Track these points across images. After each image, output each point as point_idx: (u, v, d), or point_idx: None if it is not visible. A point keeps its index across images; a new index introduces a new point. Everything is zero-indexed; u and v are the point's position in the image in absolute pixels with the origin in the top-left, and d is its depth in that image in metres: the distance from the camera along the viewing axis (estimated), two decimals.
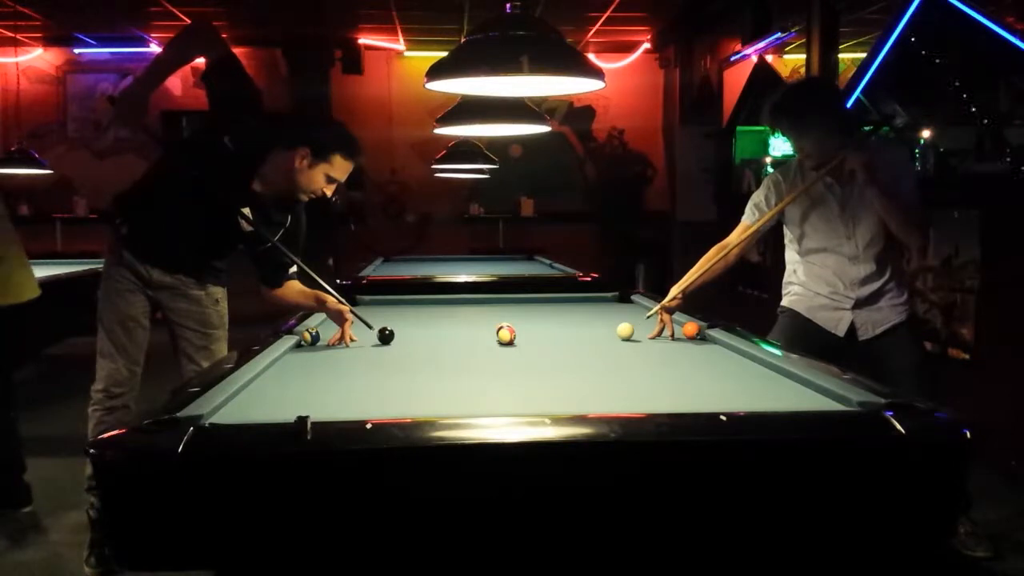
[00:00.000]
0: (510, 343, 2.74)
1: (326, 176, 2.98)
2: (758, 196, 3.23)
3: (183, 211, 3.06)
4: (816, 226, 3.15)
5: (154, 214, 3.13)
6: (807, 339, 3.05)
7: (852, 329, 3.13)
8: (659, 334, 2.90)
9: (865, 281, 3.10)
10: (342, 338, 2.82)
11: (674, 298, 3.01)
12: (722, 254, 3.16)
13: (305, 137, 2.97)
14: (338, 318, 2.90)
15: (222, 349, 3.22)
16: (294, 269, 3.09)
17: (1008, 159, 4.66)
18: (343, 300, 2.96)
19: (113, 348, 3.09)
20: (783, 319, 3.28)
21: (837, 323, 3.14)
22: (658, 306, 2.98)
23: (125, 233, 3.13)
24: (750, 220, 3.19)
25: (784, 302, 3.31)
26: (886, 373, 2.92)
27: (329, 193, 3.04)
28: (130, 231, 3.13)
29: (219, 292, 3.27)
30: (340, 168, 2.99)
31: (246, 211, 2.99)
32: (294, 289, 3.10)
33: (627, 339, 2.82)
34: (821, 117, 3.01)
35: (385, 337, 2.79)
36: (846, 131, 3.07)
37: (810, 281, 3.20)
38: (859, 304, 3.11)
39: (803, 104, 3.06)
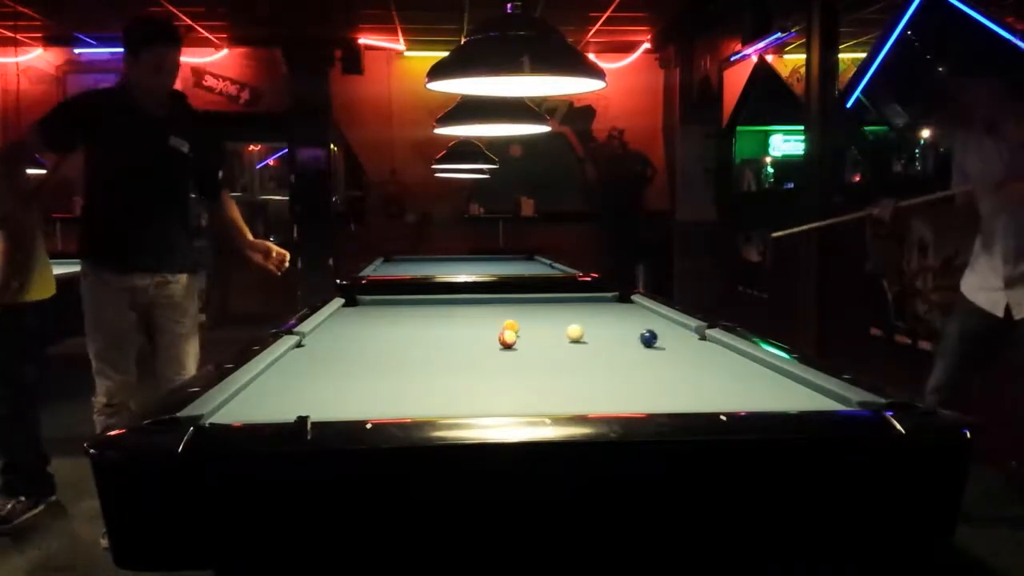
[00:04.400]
0: (510, 346, 2.74)
1: (152, 69, 3.08)
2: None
3: (126, 184, 3.20)
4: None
5: (109, 207, 3.25)
6: (977, 324, 3.20)
7: (1008, 309, 3.17)
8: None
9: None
10: (271, 267, 3.31)
11: (885, 206, 3.19)
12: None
13: (126, 46, 3.11)
14: (261, 247, 3.33)
15: (196, 339, 3.41)
16: (222, 174, 3.43)
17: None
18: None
19: (107, 367, 3.19)
20: (960, 306, 3.37)
21: (995, 304, 3.20)
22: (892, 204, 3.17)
23: (99, 248, 3.26)
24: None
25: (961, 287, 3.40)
26: None
27: (171, 82, 3.16)
28: (97, 242, 3.26)
29: (195, 286, 3.40)
30: (156, 57, 3.07)
31: (174, 142, 3.18)
32: (232, 206, 3.49)
33: (576, 341, 2.80)
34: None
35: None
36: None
37: (977, 260, 3.31)
38: (1009, 283, 3.15)
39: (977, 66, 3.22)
